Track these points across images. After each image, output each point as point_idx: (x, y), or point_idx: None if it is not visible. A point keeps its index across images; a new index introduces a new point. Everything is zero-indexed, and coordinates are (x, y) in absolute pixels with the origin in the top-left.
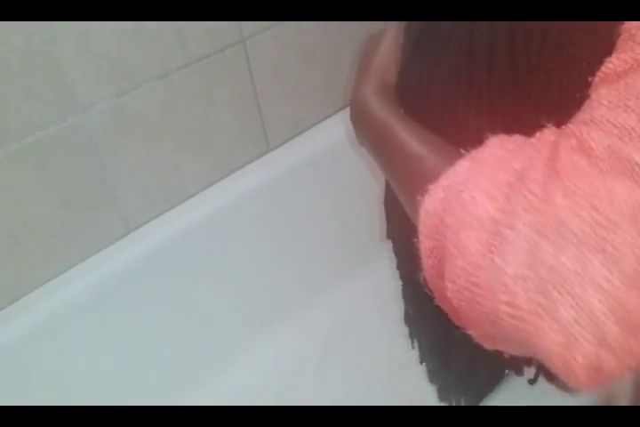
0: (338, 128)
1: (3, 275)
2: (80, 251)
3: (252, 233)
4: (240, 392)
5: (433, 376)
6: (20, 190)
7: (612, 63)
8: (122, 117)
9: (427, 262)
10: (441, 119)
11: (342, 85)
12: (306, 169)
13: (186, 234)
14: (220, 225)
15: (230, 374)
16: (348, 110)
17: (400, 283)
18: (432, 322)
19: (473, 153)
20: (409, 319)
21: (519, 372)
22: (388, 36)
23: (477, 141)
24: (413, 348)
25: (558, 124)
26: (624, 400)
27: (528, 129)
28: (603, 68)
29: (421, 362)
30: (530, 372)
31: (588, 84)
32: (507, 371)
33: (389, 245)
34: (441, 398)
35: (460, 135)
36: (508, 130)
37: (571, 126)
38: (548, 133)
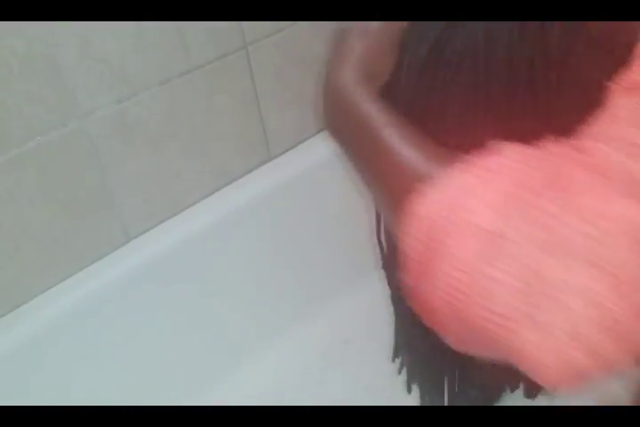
0: None
1: (3, 282)
2: (80, 258)
3: (253, 242)
4: (240, 404)
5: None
6: (20, 196)
7: (634, 72)
8: (123, 123)
9: (411, 266)
10: (453, 132)
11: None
12: (307, 178)
13: (186, 242)
14: (221, 234)
15: (230, 386)
16: None
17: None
18: (423, 355)
19: (475, 159)
20: (399, 351)
21: (513, 387)
22: (376, 30)
23: (480, 147)
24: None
25: (565, 134)
26: (624, 400)
27: (534, 139)
28: (625, 78)
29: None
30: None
31: (604, 92)
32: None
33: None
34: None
35: (466, 144)
36: (516, 140)
37: (583, 141)
38: (554, 146)
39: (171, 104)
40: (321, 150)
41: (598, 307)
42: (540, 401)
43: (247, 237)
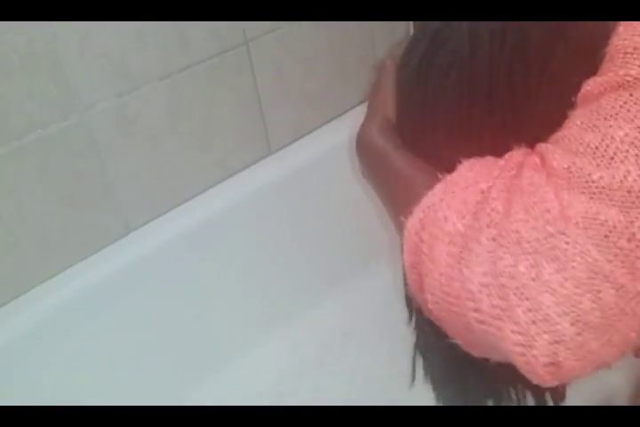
0: (340, 132)
1: (2, 273)
2: (79, 250)
3: (252, 236)
4: (238, 396)
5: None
6: (20, 189)
7: (590, 85)
8: (123, 118)
9: (410, 278)
10: (439, 149)
11: (345, 89)
12: (307, 173)
13: (185, 235)
14: (220, 227)
15: (228, 378)
16: (349, 114)
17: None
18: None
19: (447, 176)
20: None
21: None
22: (389, 67)
23: (456, 164)
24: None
25: (543, 139)
26: (624, 400)
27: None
28: (582, 90)
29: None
30: None
31: (573, 106)
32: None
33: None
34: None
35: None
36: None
37: (541, 145)
38: (517, 155)
39: (171, 99)
40: (320, 145)
41: (567, 301)
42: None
43: (246, 231)
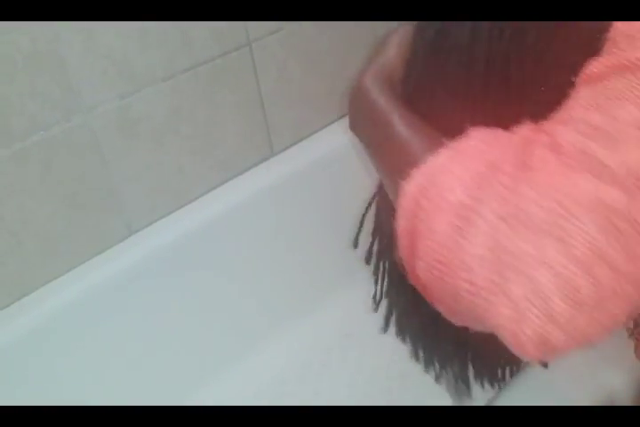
0: (342, 133)
1: (4, 275)
2: (82, 252)
3: (254, 237)
4: (239, 399)
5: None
6: (22, 190)
7: (595, 66)
8: (126, 119)
9: (401, 242)
10: (439, 115)
11: (347, 91)
12: (309, 174)
13: (188, 237)
14: (222, 229)
15: (230, 380)
16: None
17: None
18: (414, 306)
19: (454, 143)
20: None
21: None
22: (401, 32)
23: (460, 132)
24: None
25: (538, 121)
26: (624, 400)
27: (511, 124)
28: (586, 71)
29: (414, 354)
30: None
31: (572, 85)
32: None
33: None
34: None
35: (452, 129)
36: (493, 124)
37: (546, 124)
38: (525, 129)
39: (174, 100)
40: (323, 147)
41: (563, 279)
42: (541, 401)
43: (248, 233)
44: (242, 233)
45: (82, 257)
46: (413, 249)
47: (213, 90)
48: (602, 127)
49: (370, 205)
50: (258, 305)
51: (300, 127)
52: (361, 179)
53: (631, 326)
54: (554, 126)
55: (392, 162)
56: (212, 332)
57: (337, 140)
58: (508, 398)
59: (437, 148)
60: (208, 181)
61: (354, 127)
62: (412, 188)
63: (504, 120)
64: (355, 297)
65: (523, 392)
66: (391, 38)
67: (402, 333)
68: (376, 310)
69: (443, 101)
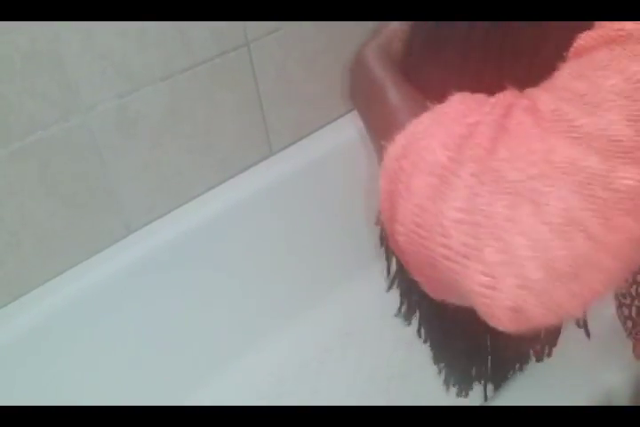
0: (340, 132)
1: (3, 273)
2: (81, 251)
3: (253, 237)
4: (238, 397)
5: (437, 357)
6: (21, 190)
7: (583, 39)
8: (125, 118)
9: (383, 206)
10: (435, 90)
11: (345, 90)
12: (308, 174)
13: (186, 236)
14: (221, 228)
15: (229, 379)
16: (350, 115)
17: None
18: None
19: (437, 106)
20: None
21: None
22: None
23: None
24: (408, 325)
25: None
26: (622, 400)
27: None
28: (574, 45)
29: (425, 341)
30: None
31: (563, 60)
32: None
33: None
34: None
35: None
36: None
37: (528, 90)
38: (508, 94)
39: (172, 100)
40: (321, 146)
41: (538, 244)
42: (540, 401)
43: (247, 232)
44: (240, 232)
45: (80, 256)
46: (393, 212)
47: (212, 89)
48: (585, 95)
49: None
50: (257, 304)
51: (298, 126)
52: (359, 178)
53: (630, 325)
54: (535, 92)
55: (381, 127)
56: (210, 331)
57: (335, 139)
58: (507, 398)
59: (422, 112)
60: (207, 181)
61: (352, 96)
62: (394, 150)
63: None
64: (354, 296)
65: (521, 392)
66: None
67: (410, 312)
68: (388, 290)
69: (439, 79)
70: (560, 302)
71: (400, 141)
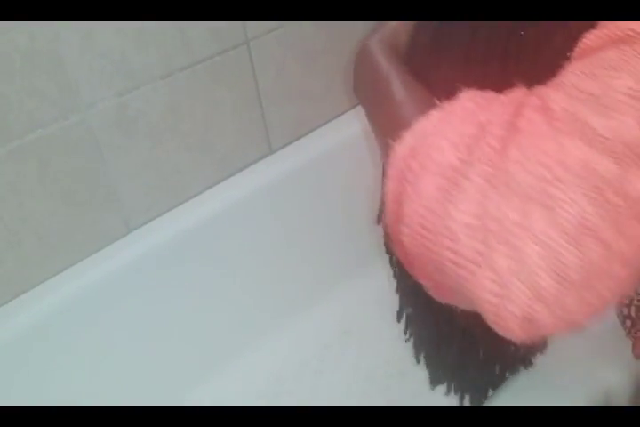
0: (340, 131)
1: (3, 272)
2: (80, 249)
3: (252, 235)
4: (237, 396)
5: (430, 370)
6: (21, 188)
7: (589, 39)
8: (124, 117)
9: (388, 206)
10: (440, 84)
11: (345, 89)
12: (307, 172)
13: (186, 234)
14: (221, 226)
15: (228, 378)
16: (350, 113)
17: (394, 274)
18: (424, 314)
19: (445, 104)
20: (402, 312)
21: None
22: None
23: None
24: (407, 341)
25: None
26: (621, 399)
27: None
28: (580, 44)
29: (416, 356)
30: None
31: (568, 60)
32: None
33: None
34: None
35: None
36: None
37: (538, 88)
38: (517, 93)
39: (172, 98)
40: (321, 144)
41: (549, 251)
42: (540, 401)
43: (247, 230)
44: (240, 231)
45: (80, 254)
46: (399, 214)
47: (211, 88)
48: (596, 94)
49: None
50: (256, 302)
51: (298, 125)
52: (359, 176)
53: (629, 324)
54: (545, 90)
55: (387, 123)
56: (209, 329)
57: (335, 137)
58: (506, 398)
59: (430, 109)
60: (206, 179)
61: (357, 89)
62: (401, 149)
63: (498, 88)
64: (354, 295)
65: (521, 392)
66: None
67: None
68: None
69: (444, 76)
70: (571, 312)
71: (407, 140)
